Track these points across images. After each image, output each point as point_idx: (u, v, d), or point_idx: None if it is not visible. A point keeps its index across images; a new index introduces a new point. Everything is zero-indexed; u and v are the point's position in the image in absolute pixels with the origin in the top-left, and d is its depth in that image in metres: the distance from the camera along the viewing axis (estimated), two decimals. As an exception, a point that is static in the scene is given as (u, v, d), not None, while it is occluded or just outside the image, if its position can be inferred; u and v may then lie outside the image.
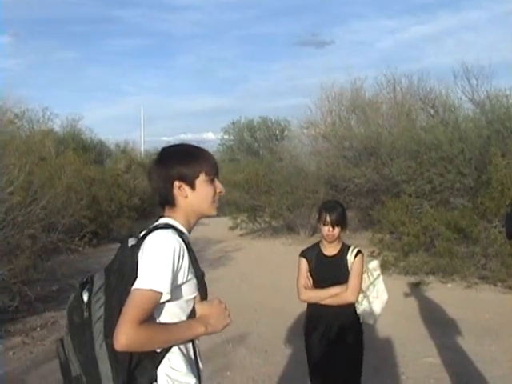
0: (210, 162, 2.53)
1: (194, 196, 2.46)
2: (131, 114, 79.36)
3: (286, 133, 29.31)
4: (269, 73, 76.45)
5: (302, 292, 4.44)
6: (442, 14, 60.58)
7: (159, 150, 2.60)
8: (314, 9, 72.38)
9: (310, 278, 4.42)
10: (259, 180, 19.06)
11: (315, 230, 17.93)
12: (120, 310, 2.18)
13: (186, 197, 2.45)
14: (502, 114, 12.66)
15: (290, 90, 66.58)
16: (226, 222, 19.17)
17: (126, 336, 2.10)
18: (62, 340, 2.35)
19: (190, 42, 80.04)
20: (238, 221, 19.10)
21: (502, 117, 12.49)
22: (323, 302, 4.34)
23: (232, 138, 35.78)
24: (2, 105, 16.50)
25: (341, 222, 4.38)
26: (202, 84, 78.64)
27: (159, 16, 79.81)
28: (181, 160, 2.46)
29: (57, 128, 26.37)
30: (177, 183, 2.43)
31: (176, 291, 2.28)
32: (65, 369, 2.31)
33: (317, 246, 4.57)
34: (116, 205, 18.46)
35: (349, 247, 4.48)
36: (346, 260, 4.40)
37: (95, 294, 2.27)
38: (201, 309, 2.39)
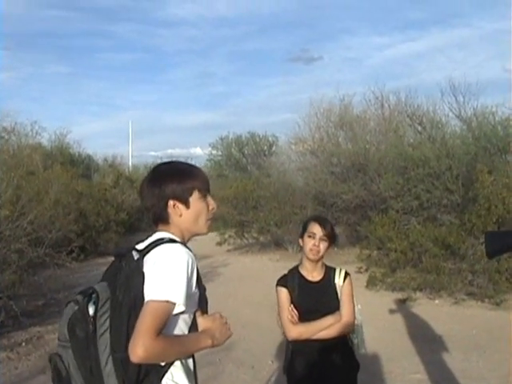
0: (202, 178, 2.55)
1: (188, 214, 2.48)
2: (121, 129, 79.29)
3: (274, 148, 29.39)
4: (260, 88, 76.64)
5: (289, 328, 3.75)
6: (432, 31, 61.09)
7: (151, 167, 2.63)
8: (305, 25, 72.79)
9: (295, 311, 3.77)
10: (247, 195, 19.06)
11: (303, 246, 17.94)
12: (128, 324, 2.19)
13: (181, 215, 2.46)
14: (489, 131, 12.77)
15: (280, 106, 66.83)
16: (213, 237, 19.13)
17: (144, 348, 2.09)
18: (58, 355, 2.28)
19: (183, 57, 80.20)
20: (226, 236, 19.07)
21: (488, 134, 12.59)
22: (315, 337, 3.72)
23: (220, 153, 35.80)
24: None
25: (329, 237, 3.84)
26: (193, 99, 78.72)
27: (152, 31, 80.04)
28: (174, 178, 2.47)
29: (45, 142, 26.38)
30: (171, 202, 2.44)
31: (186, 303, 2.29)
32: None
33: (296, 271, 3.94)
34: (103, 219, 18.42)
35: (334, 269, 3.94)
36: (334, 284, 3.85)
37: (101, 307, 2.24)
38: (204, 322, 2.42)
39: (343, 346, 3.87)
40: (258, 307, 10.57)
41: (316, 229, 3.83)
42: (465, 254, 10.76)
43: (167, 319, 2.21)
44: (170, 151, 43.07)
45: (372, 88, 18.97)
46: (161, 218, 2.48)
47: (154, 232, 2.50)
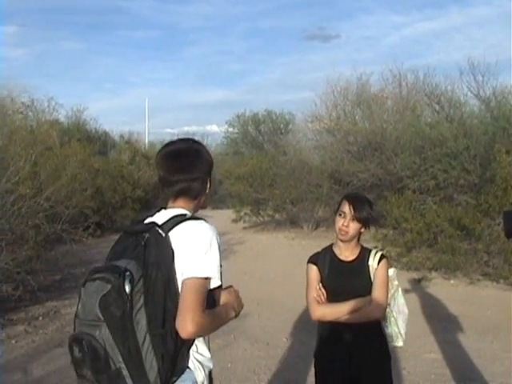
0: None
1: (207, 191, 2.65)
2: (136, 106, 79.41)
3: (290, 126, 29.26)
4: (275, 66, 76.37)
5: (314, 308, 3.52)
6: (450, 10, 60.44)
7: (175, 142, 2.68)
8: (322, 2, 72.18)
9: (323, 290, 3.54)
10: (263, 173, 19.08)
11: (318, 224, 17.96)
12: (165, 300, 2.27)
13: (206, 191, 2.63)
14: (508, 111, 12.65)
15: (297, 84, 66.51)
16: (229, 214, 19.20)
17: (195, 323, 2.22)
18: (90, 334, 2.26)
19: (198, 34, 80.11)
20: (242, 214, 19.13)
21: (507, 114, 12.47)
22: (341, 320, 3.45)
23: (236, 130, 35.73)
24: (8, 94, 16.53)
25: (361, 218, 3.56)
26: (208, 77, 78.68)
27: (167, 8, 79.81)
28: (208, 156, 2.64)
29: (62, 118, 26.37)
30: (208, 178, 2.61)
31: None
32: (102, 363, 2.24)
33: (329, 249, 3.68)
34: (120, 196, 18.51)
35: (370, 251, 3.66)
36: (368, 266, 3.56)
37: (136, 285, 2.26)
38: (225, 296, 2.54)
39: (374, 335, 3.57)
40: (273, 285, 10.63)
41: (346, 208, 3.56)
42: (480, 234, 10.72)
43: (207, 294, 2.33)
44: (186, 128, 43.03)
45: (390, 66, 18.84)
46: (191, 193, 2.56)
47: (163, 207, 2.58)
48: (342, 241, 3.60)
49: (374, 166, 15.55)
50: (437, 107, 15.29)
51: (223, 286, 2.55)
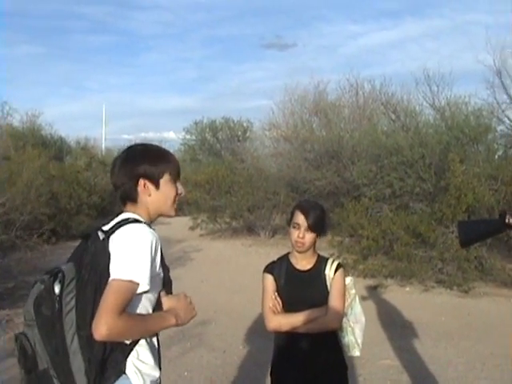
0: (174, 163, 2.63)
1: (157, 195, 2.55)
2: (94, 111, 78.81)
3: (248, 134, 29.35)
4: (233, 74, 76.46)
5: (269, 318, 3.47)
6: (405, 20, 61.29)
7: (126, 147, 2.68)
8: (280, 11, 72.61)
9: (279, 300, 3.50)
10: (220, 181, 19.04)
11: (275, 232, 18.00)
12: (94, 303, 2.23)
13: (150, 195, 2.53)
14: (462, 120, 12.86)
15: (255, 92, 66.79)
16: (186, 221, 19.10)
17: (106, 326, 2.15)
18: (24, 334, 2.33)
19: (158, 41, 79.80)
20: (199, 221, 19.03)
21: (461, 124, 12.68)
22: (298, 331, 3.41)
23: (194, 138, 35.66)
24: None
25: (316, 228, 3.52)
26: (166, 84, 78.45)
27: (126, 14, 79.35)
28: (147, 159, 2.55)
29: (16, 123, 26.02)
30: (142, 181, 2.51)
31: (150, 283, 2.34)
32: (30, 363, 2.29)
33: (285, 258, 3.64)
34: (75, 202, 18.24)
35: (326, 260, 3.63)
36: (324, 275, 3.53)
37: (67, 286, 2.28)
38: (168, 302, 2.50)
39: (330, 345, 3.55)
40: (230, 292, 10.61)
41: (300, 219, 3.50)
42: (435, 242, 10.87)
43: (131, 298, 2.27)
44: (143, 134, 42.87)
45: (347, 75, 19.09)
46: (130, 197, 2.54)
47: (120, 213, 2.55)
48: (298, 252, 3.57)
49: (331, 173, 15.69)
50: (393, 116, 15.51)
51: (177, 293, 2.56)
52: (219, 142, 32.99)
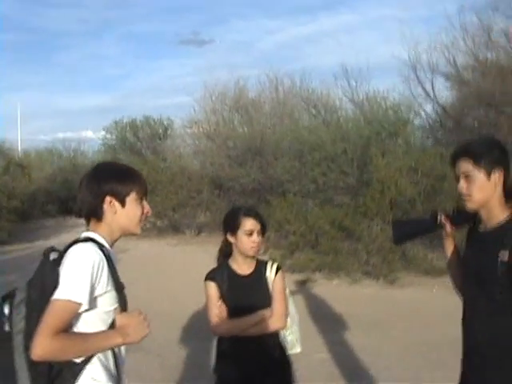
0: (141, 182, 2.62)
1: (123, 213, 2.54)
2: (8, 112, 76.38)
3: (169, 132, 29.12)
4: (151, 71, 75.40)
5: (216, 325, 3.53)
6: (319, 15, 62.06)
7: (94, 165, 2.70)
8: (196, 7, 72.30)
9: (224, 306, 3.55)
10: (143, 180, 18.85)
11: (201, 230, 17.99)
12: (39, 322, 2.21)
13: (115, 212, 2.53)
14: (380, 115, 13.17)
15: (175, 89, 66.15)
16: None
17: (40, 346, 2.15)
18: None
19: (74, 38, 77.77)
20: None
21: (380, 118, 12.98)
22: (244, 334, 3.49)
23: (114, 137, 35.06)
24: None
25: (266, 230, 3.68)
26: (83, 82, 76.61)
27: (40, 11, 77.11)
28: (114, 177, 2.55)
29: None
30: (108, 198, 2.50)
31: (95, 302, 2.34)
32: None
33: (225, 264, 3.69)
34: (-6, 207, 17.79)
35: (266, 263, 3.72)
36: (265, 279, 3.63)
37: (16, 307, 2.29)
38: (119, 319, 2.44)
39: (274, 344, 3.65)
40: (159, 293, 10.52)
41: (252, 224, 3.57)
42: (360, 235, 11.10)
43: (70, 318, 2.27)
44: (60, 135, 42.03)
45: (266, 71, 19.16)
46: (94, 214, 2.52)
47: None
48: (251, 257, 3.64)
49: (255, 170, 15.75)
50: (314, 111, 15.74)
51: (132, 310, 2.52)
52: (140, 140, 32.47)
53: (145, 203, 2.62)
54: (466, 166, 2.74)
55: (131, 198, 2.55)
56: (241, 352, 3.54)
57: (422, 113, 15.32)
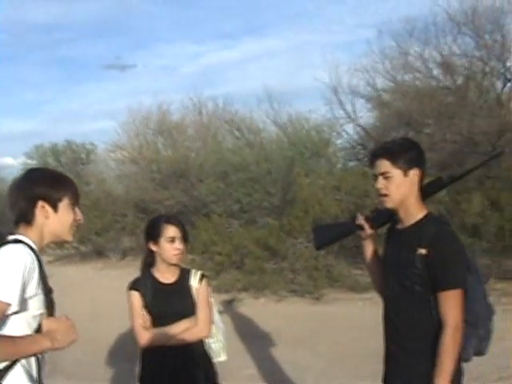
0: (74, 188, 2.60)
1: (55, 218, 2.51)
2: None
3: (92, 157, 28.79)
4: (74, 96, 73.91)
5: (141, 335, 3.49)
6: (243, 40, 62.60)
7: (25, 170, 2.70)
8: (118, 32, 71.82)
9: (147, 316, 3.53)
10: (66, 205, 18.55)
11: (125, 254, 17.77)
12: None
13: (47, 217, 2.49)
14: (303, 136, 13.40)
15: (97, 113, 65.03)
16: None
17: None
18: None
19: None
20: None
21: (303, 139, 13.20)
22: (169, 343, 3.48)
23: (35, 162, 34.42)
24: None
25: (188, 237, 3.69)
26: (3, 107, 74.81)
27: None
28: (47, 182, 2.52)
29: None
30: (40, 203, 2.46)
31: (24, 304, 2.29)
32: None
33: (148, 273, 3.65)
34: None
35: (189, 271, 3.70)
36: (189, 286, 3.61)
37: None
38: (47, 324, 2.40)
39: (199, 353, 3.63)
40: (84, 318, 10.31)
41: (173, 231, 3.57)
42: (285, 254, 11.20)
43: None
44: (-23, 162, 40.67)
45: (189, 95, 19.24)
46: (25, 218, 2.48)
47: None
48: (174, 264, 3.63)
49: (179, 192, 15.71)
50: (237, 133, 15.86)
51: (59, 315, 2.50)
52: (62, 165, 31.97)
53: (77, 210, 2.59)
54: (384, 165, 2.85)
55: (64, 204, 2.52)
56: (166, 362, 3.51)
57: (344, 134, 15.69)
